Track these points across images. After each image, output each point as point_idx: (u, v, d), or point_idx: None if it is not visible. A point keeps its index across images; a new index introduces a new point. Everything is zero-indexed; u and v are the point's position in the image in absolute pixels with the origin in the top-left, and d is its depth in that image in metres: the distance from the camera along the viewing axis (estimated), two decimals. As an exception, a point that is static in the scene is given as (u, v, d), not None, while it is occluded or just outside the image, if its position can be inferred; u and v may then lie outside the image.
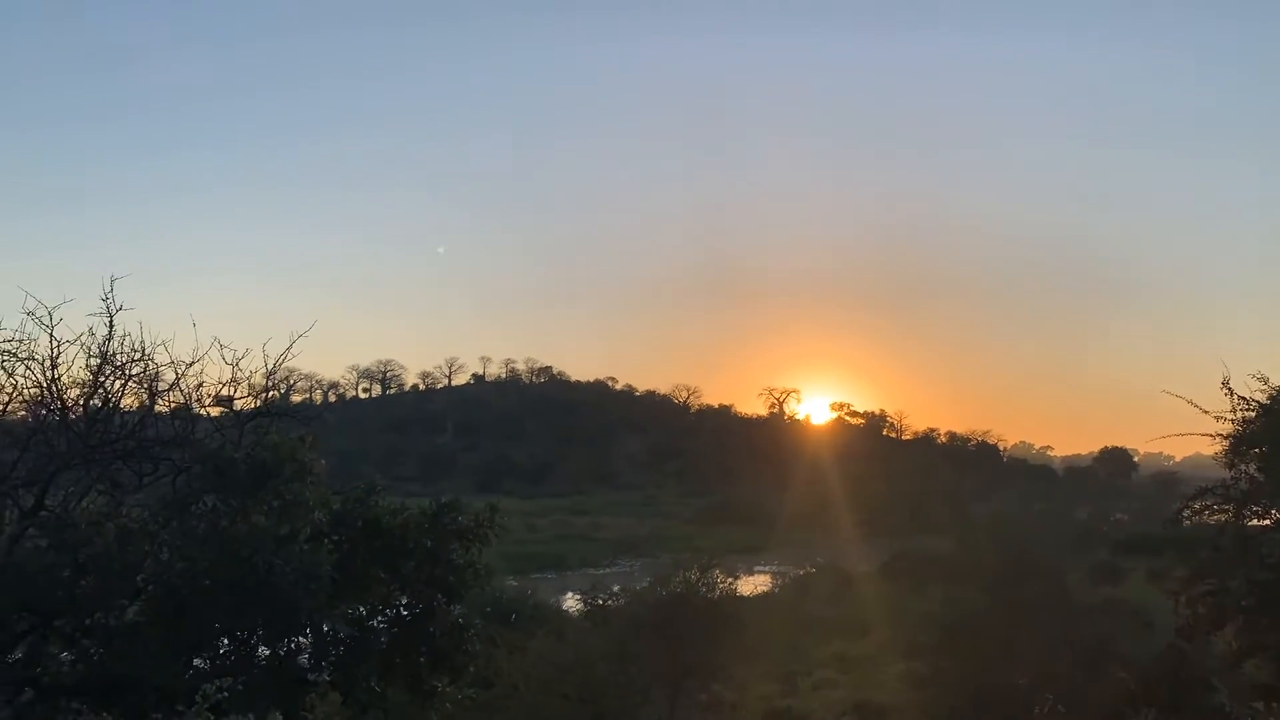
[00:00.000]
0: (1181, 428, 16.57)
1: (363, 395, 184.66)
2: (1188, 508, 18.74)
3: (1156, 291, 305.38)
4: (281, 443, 12.79)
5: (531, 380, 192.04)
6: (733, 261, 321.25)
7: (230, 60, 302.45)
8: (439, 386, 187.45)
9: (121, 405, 13.66)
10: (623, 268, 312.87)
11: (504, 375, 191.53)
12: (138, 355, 13.33)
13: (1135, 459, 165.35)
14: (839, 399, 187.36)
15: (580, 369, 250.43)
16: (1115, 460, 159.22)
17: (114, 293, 12.92)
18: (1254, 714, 7.39)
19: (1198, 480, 23.74)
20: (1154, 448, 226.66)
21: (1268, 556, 17.12)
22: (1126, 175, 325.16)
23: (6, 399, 12.87)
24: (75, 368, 13.12)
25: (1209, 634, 17.66)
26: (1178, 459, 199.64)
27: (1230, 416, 17.32)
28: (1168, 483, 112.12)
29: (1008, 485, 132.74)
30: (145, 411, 13.81)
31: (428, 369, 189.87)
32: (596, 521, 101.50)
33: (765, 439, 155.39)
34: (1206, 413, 17.47)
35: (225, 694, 8.23)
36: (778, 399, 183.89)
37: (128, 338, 13.25)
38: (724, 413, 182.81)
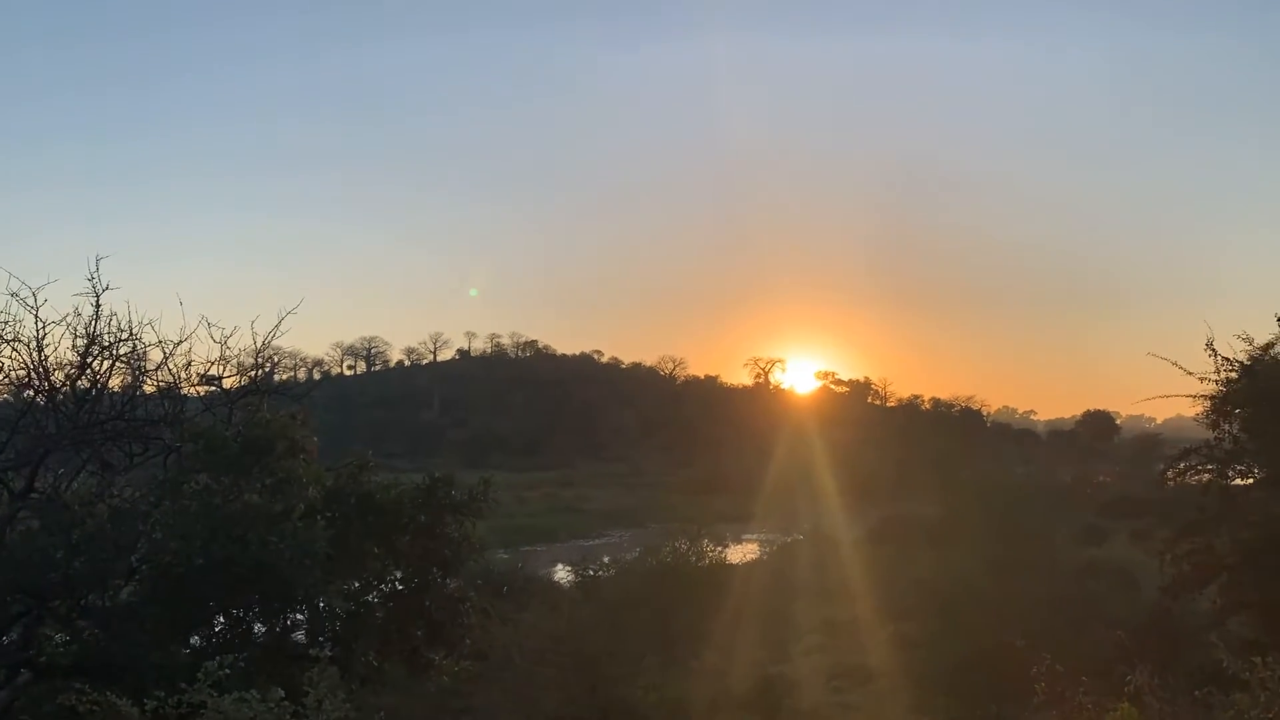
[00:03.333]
0: (1164, 391, 16.76)
1: (348, 372, 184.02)
2: (1172, 468, 19.03)
3: (1142, 259, 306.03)
4: (273, 420, 12.78)
5: (517, 355, 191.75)
6: (717, 231, 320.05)
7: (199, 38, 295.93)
8: (424, 362, 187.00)
9: (109, 386, 13.61)
10: (608, 239, 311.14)
11: (489, 350, 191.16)
12: (125, 335, 13.28)
13: (1118, 422, 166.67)
14: (824, 368, 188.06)
15: (566, 343, 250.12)
16: (1098, 423, 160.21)
17: (100, 272, 12.84)
18: (1251, 667, 7.51)
19: (1179, 442, 24.04)
20: (1137, 410, 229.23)
21: (1251, 515, 17.42)
22: (1123, 147, 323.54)
23: (-7, 382, 12.80)
24: (62, 349, 13.06)
25: (1194, 592, 17.98)
26: (1159, 421, 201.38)
27: (1214, 378, 17.56)
28: (1150, 444, 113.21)
29: (992, 449, 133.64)
30: (133, 391, 13.76)
31: (413, 345, 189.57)
32: (585, 494, 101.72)
33: (751, 408, 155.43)
34: (1190, 374, 17.69)
35: (226, 671, 8.28)
36: (763, 369, 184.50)
37: (114, 318, 13.20)
38: (710, 383, 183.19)
